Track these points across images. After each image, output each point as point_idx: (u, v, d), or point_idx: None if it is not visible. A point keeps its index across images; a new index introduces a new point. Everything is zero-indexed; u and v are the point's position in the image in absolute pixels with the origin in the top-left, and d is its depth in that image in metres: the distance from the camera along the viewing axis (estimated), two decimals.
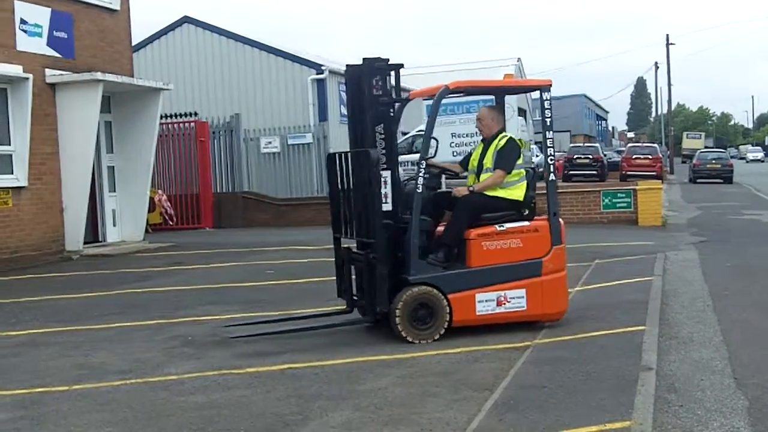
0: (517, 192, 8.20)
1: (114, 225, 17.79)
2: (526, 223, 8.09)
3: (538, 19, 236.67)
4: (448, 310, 7.72)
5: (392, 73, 8.14)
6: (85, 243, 16.28)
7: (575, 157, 40.65)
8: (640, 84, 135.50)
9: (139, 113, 17.74)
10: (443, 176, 9.48)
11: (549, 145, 8.18)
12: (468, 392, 6.06)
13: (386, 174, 7.87)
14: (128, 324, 9.16)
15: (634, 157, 40.93)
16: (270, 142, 24.44)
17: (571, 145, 50.83)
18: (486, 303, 7.82)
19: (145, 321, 9.27)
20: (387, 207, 7.81)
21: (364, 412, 5.67)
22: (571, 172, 39.68)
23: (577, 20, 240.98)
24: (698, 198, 30.48)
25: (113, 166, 17.82)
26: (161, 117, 19.04)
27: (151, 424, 5.58)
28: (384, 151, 7.95)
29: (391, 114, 8.12)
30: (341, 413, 5.67)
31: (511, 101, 22.43)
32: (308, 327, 8.36)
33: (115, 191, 17.81)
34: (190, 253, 16.15)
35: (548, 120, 8.16)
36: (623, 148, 55.01)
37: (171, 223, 21.41)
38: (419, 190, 7.75)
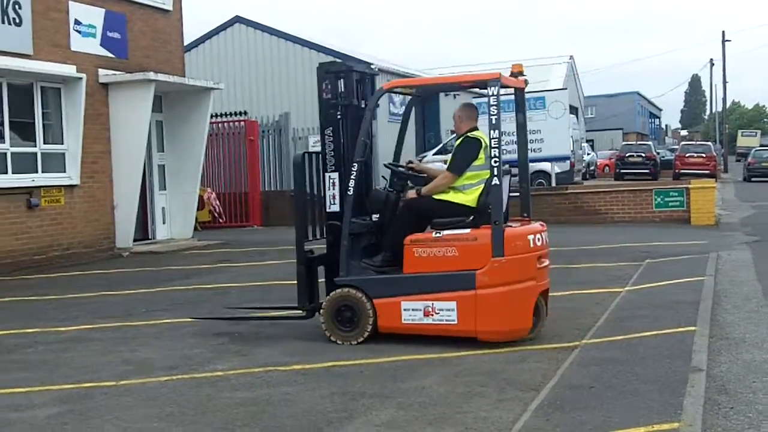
0: (470, 196, 7.68)
1: (164, 223, 17.99)
2: (466, 231, 7.41)
3: (591, 17, 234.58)
4: (371, 315, 7.51)
5: (347, 76, 8.11)
6: (135, 240, 16.51)
7: (627, 155, 40.24)
8: (695, 81, 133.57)
9: (190, 112, 17.91)
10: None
11: (494, 145, 7.32)
12: (514, 392, 6.00)
13: (334, 176, 7.95)
14: (176, 320, 9.25)
15: (687, 155, 40.38)
16: (318, 141, 24.45)
17: (623, 143, 50.23)
18: (412, 312, 7.43)
19: (192, 317, 9.30)
20: (334, 208, 7.89)
21: (409, 411, 5.64)
22: (622, 170, 39.30)
23: (632, 17, 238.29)
24: (752, 197, 29.90)
25: (164, 165, 18.03)
26: (211, 116, 19.20)
27: (197, 419, 5.61)
28: (333, 153, 7.98)
29: (339, 117, 8.08)
30: (385, 411, 5.64)
31: (563, 99, 22.24)
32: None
33: (165, 189, 18.01)
34: (238, 251, 16.26)
35: (494, 117, 7.38)
36: (676, 147, 54.28)
37: (221, 221, 21.59)
38: (350, 192, 7.66)
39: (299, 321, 8.37)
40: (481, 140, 7.89)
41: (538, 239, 7.71)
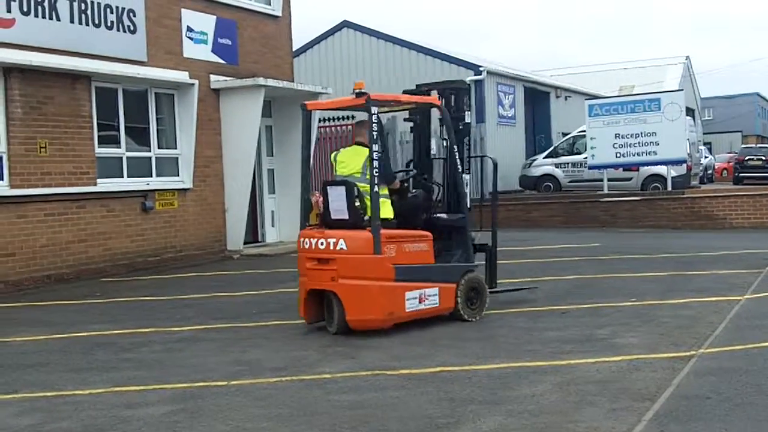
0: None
1: (273, 225, 18.30)
2: None
3: (708, 15, 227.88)
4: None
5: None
6: (245, 243, 16.84)
7: (747, 158, 38.85)
8: None
9: (299, 118, 18.04)
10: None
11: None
12: (628, 402, 5.88)
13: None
14: (285, 322, 9.36)
15: None
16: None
17: (743, 146, 48.61)
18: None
19: (301, 320, 9.35)
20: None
21: (517, 418, 5.59)
22: (741, 174, 37.99)
23: (752, 15, 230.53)
24: None
25: (273, 169, 18.35)
26: (320, 121, 19.43)
27: (304, 421, 5.70)
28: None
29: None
30: (493, 418, 5.61)
31: (679, 100, 21.79)
32: None
33: (274, 193, 18.32)
34: None
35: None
36: None
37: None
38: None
39: (406, 326, 8.53)
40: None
41: (320, 243, 8.79)
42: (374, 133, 8.48)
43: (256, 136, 16.59)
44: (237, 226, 16.58)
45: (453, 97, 9.94)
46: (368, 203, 8.66)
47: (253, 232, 17.86)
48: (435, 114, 10.01)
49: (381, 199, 8.59)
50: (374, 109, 8.52)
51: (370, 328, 8.49)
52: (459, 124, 9.77)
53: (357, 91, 8.80)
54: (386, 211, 8.79)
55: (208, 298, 11.53)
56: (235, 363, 7.48)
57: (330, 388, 6.52)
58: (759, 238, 17.05)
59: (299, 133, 17.94)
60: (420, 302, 8.74)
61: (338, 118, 23.52)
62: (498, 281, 10.07)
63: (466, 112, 9.82)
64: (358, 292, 8.43)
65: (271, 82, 16.56)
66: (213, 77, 16.43)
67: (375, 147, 8.47)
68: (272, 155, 18.34)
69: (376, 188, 8.45)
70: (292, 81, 18.42)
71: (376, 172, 8.44)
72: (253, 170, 16.98)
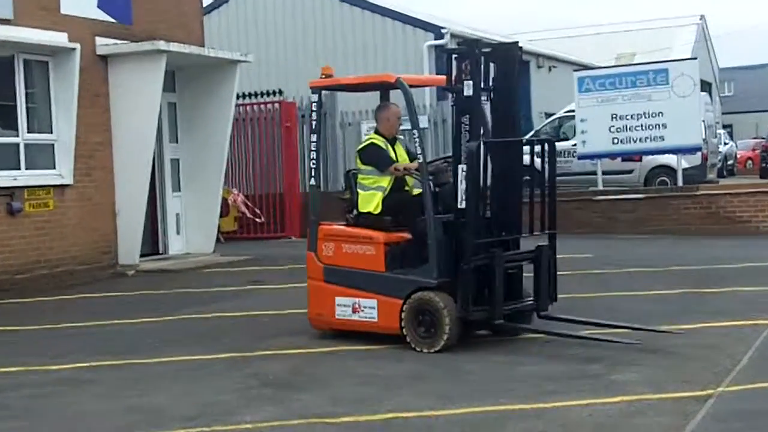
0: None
1: (178, 233, 18.18)
2: None
3: None
4: None
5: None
6: (142, 255, 16.72)
7: None
8: None
9: (211, 92, 18.08)
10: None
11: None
12: None
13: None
14: (194, 357, 9.35)
15: None
16: (373, 128, 24.55)
17: None
18: None
19: (215, 354, 9.43)
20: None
21: None
22: None
23: None
24: None
25: (178, 159, 18.24)
26: (237, 97, 19.34)
27: None
28: None
29: None
30: None
31: (691, 71, 21.97)
32: None
33: (179, 191, 18.22)
34: (272, 269, 16.38)
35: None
36: None
37: (259, 220, 21.71)
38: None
39: (361, 354, 8.48)
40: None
41: None
42: (313, 121, 9.94)
43: (155, 116, 16.46)
44: (132, 234, 16.44)
45: (494, 65, 9.63)
46: (359, 196, 9.89)
47: (152, 242, 17.74)
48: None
49: (370, 191, 9.75)
50: (314, 97, 9.97)
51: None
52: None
53: (325, 75, 10.04)
54: (369, 204, 9.76)
55: (95, 326, 11.41)
56: (129, 411, 7.41)
57: None
58: None
59: (211, 113, 18.06)
60: (353, 312, 9.57)
61: (261, 94, 23.42)
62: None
63: (466, 83, 9.23)
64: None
65: (174, 47, 16.45)
66: (100, 40, 16.28)
67: (313, 137, 9.88)
68: (177, 141, 18.24)
69: (312, 180, 10.12)
70: (203, 45, 18.31)
71: (313, 164, 9.95)
72: (153, 161, 16.87)
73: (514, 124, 9.75)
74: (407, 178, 9.97)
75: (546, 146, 9.89)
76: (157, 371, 8.85)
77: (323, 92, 10.44)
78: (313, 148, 10.12)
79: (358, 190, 9.96)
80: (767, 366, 8.13)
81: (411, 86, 9.91)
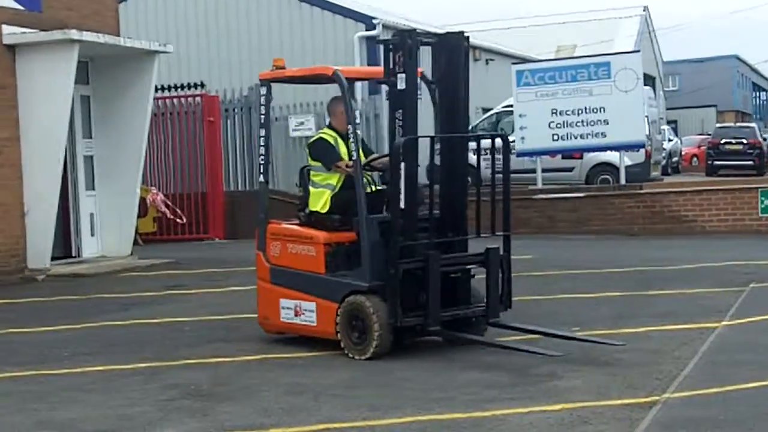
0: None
1: (92, 235, 18.00)
2: None
3: None
4: None
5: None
6: (53, 259, 16.53)
7: (723, 141, 40.05)
8: None
9: (127, 85, 17.93)
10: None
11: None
12: None
13: None
14: (110, 367, 9.24)
15: None
16: (302, 123, 24.52)
17: (718, 125, 50.16)
18: None
19: (132, 364, 9.34)
20: None
21: None
22: (717, 162, 39.12)
23: None
24: None
25: (92, 156, 18.06)
26: (156, 90, 19.20)
27: None
28: None
29: None
30: None
31: (634, 65, 22.20)
32: None
33: (94, 189, 18.04)
34: (194, 273, 16.29)
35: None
36: None
37: (180, 220, 21.54)
38: None
39: (288, 362, 8.40)
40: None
41: None
42: (261, 115, 10.32)
43: (68, 110, 16.30)
44: (42, 236, 16.25)
45: (442, 57, 9.67)
46: (310, 193, 9.97)
47: (64, 244, 17.54)
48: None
49: (319, 189, 9.83)
50: (263, 89, 10.28)
51: None
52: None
53: (277, 67, 10.31)
54: (317, 202, 9.83)
55: (1, 335, 11.25)
56: (39, 426, 7.32)
57: None
58: (739, 245, 17.56)
59: (128, 107, 17.91)
60: (296, 315, 9.67)
61: (181, 87, 23.26)
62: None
63: (399, 75, 9.29)
64: None
65: (88, 36, 16.29)
66: (6, 29, 16.08)
67: (261, 132, 10.33)
68: (91, 137, 18.06)
69: (261, 177, 10.41)
70: (118, 35, 18.17)
71: (261, 160, 10.35)
72: (65, 157, 16.69)
73: (460, 119, 9.74)
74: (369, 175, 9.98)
75: (498, 142, 9.88)
76: (69, 383, 8.73)
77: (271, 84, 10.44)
78: (261, 143, 10.37)
79: (310, 187, 10.02)
80: (714, 371, 8.22)
81: (349, 79, 9.97)
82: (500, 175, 9.64)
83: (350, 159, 9.73)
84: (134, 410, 7.66)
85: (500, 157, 9.67)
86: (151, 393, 8.21)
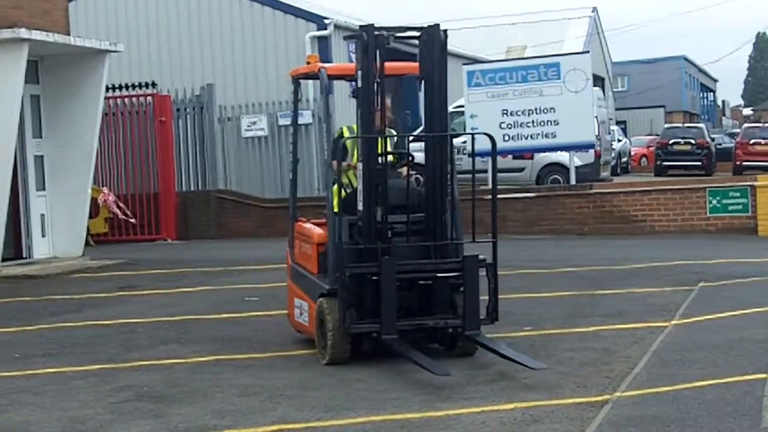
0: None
1: (43, 235, 17.88)
2: None
3: None
4: None
5: None
6: (3, 260, 16.41)
7: (671, 142, 40.42)
8: (762, 42, 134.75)
9: (78, 84, 17.82)
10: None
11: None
12: None
13: None
14: (62, 370, 9.18)
15: (752, 142, 40.53)
16: (254, 123, 24.47)
17: (666, 125, 50.60)
18: None
19: (85, 366, 9.28)
20: None
21: None
22: (665, 162, 39.50)
23: None
24: None
25: (42, 156, 17.94)
26: (107, 89, 19.09)
27: None
28: None
29: None
30: None
31: (584, 66, 22.34)
32: None
33: (44, 190, 17.92)
34: (146, 274, 16.22)
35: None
36: (737, 130, 54.71)
37: (132, 221, 21.42)
38: None
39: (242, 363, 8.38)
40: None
41: None
42: (292, 113, 10.31)
43: (17, 109, 16.19)
44: None
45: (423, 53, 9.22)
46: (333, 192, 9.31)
47: (14, 245, 17.40)
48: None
49: (336, 187, 9.23)
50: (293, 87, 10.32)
51: None
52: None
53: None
54: (335, 201, 9.21)
55: None
56: None
57: None
58: (688, 245, 17.72)
59: (78, 106, 17.79)
60: (301, 314, 9.62)
61: (132, 86, 23.11)
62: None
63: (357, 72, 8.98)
64: None
65: (37, 35, 16.19)
66: None
67: (291, 129, 10.34)
68: (41, 136, 17.93)
69: (290, 175, 10.62)
70: (68, 34, 18.05)
71: (291, 158, 10.54)
72: (14, 158, 16.56)
73: (437, 116, 9.17)
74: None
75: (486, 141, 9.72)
76: (19, 385, 8.65)
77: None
78: (291, 140, 10.43)
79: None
80: (663, 370, 8.28)
81: (332, 76, 10.15)
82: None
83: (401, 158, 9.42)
84: (87, 412, 7.62)
85: (485, 160, 9.71)
86: (104, 395, 8.16)
